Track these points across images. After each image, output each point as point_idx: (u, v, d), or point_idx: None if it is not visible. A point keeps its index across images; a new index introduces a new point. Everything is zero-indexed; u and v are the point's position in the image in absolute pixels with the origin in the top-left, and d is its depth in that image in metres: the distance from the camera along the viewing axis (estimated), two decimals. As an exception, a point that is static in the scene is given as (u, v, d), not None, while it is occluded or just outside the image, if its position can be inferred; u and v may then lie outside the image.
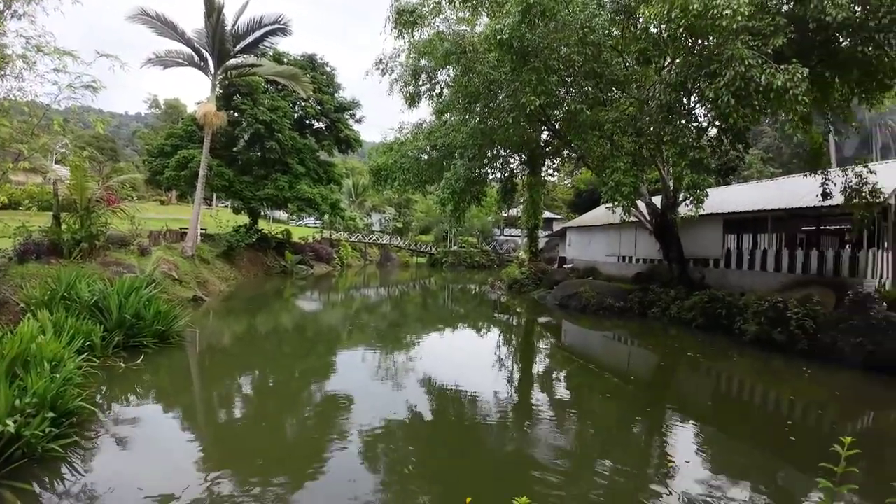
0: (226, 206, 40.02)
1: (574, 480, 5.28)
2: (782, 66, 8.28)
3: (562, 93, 12.87)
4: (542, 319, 18.14)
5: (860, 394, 9.58)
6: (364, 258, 45.24)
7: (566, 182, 53.73)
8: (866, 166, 12.30)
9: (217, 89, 24.00)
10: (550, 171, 31.12)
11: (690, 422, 7.54)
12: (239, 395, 8.37)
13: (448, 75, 17.14)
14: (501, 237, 53.36)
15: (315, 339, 14.08)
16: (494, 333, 16.20)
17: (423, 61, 16.52)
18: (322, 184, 30.52)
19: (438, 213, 34.95)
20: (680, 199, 16.39)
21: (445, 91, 17.65)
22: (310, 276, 30.30)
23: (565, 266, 26.97)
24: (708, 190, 12.63)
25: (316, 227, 47.10)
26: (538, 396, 9.36)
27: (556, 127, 16.68)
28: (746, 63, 8.10)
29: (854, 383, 9.98)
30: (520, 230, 46.76)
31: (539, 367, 12.19)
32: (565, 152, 20.36)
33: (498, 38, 11.26)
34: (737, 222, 17.65)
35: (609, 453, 6.12)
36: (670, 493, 4.81)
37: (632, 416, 7.77)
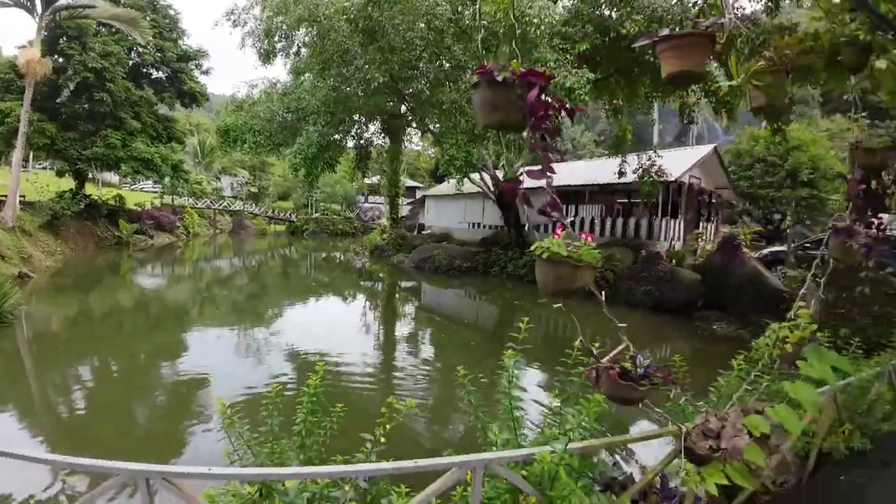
0: (44, 168, 34.40)
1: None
2: (574, 70, 10.13)
3: (409, 72, 13.78)
4: (403, 283, 19.20)
5: (644, 327, 12.04)
6: (213, 226, 41.31)
7: (430, 152, 55.21)
8: (655, 152, 15.32)
9: (42, 32, 20.81)
10: (414, 142, 31.64)
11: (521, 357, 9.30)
12: (80, 380, 7.57)
13: (306, 36, 16.73)
14: (365, 204, 53.27)
15: (163, 318, 12.70)
16: (357, 299, 16.75)
17: (280, 19, 15.74)
18: (161, 142, 27.24)
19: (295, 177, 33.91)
20: (518, 172, 18.64)
21: (304, 51, 17.13)
22: (150, 247, 27.48)
23: (424, 232, 28.68)
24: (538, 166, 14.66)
25: (155, 192, 41.41)
26: (399, 353, 9.96)
27: (407, 101, 17.61)
28: (549, 65, 9.82)
29: (642, 320, 12.50)
30: (384, 198, 47.00)
31: (399, 325, 13.17)
32: (414, 124, 21.37)
33: (345, 15, 11.76)
34: (563, 194, 20.54)
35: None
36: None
37: (479, 357, 9.20)
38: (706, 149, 18.75)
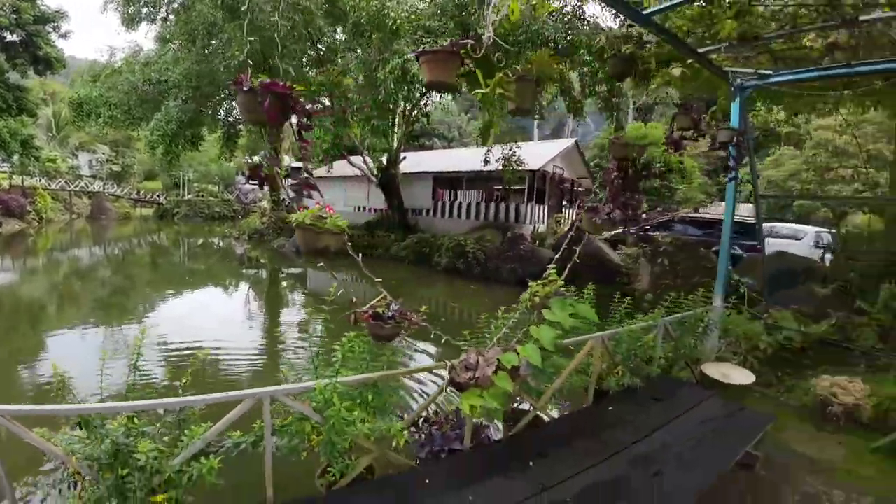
0: None
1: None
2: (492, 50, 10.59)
3: (274, 51, 13.47)
4: (287, 269, 18.76)
5: (509, 299, 13.30)
6: (70, 210, 36.60)
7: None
8: (516, 143, 16.52)
9: None
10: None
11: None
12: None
13: (174, 2, 15.72)
14: (246, 186, 50.32)
15: (13, 318, 11.07)
16: (239, 288, 16.10)
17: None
18: (10, 114, 24.05)
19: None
20: (400, 157, 19.11)
21: (172, 17, 16.01)
22: (-3, 236, 23.67)
23: (307, 215, 28.09)
24: (423, 152, 15.26)
25: (2, 172, 36.00)
26: (279, 338, 9.82)
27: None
28: (405, 57, 10.34)
29: (506, 294, 13.45)
30: (265, 179, 44.47)
31: (283, 311, 13.06)
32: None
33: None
34: (443, 179, 21.41)
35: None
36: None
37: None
38: (568, 142, 20.66)
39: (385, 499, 2.55)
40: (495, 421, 4.04)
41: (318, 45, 13.60)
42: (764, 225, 14.69)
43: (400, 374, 3.55)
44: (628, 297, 5.01)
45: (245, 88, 2.25)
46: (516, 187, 19.13)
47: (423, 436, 3.39)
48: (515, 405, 3.96)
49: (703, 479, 2.86)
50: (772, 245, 16.25)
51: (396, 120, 15.89)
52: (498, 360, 3.04)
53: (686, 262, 11.04)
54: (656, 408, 3.81)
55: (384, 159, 19.89)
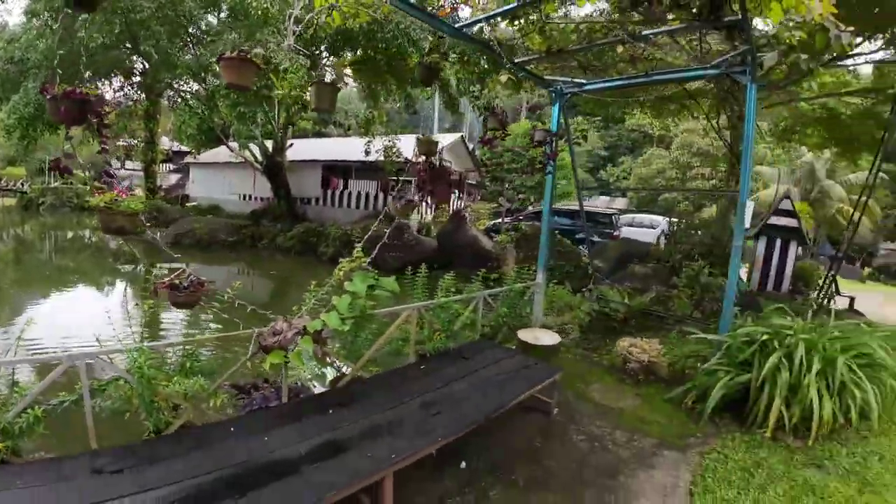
0: None
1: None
2: (293, 56, 10.85)
3: (141, 32, 12.86)
4: (166, 264, 17.67)
5: None
6: None
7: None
8: (395, 135, 17.01)
9: None
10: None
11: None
12: None
13: None
14: (122, 171, 46.22)
15: None
16: (112, 285, 15.01)
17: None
18: None
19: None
20: (287, 144, 18.83)
21: None
22: None
23: (188, 204, 26.65)
24: (313, 140, 15.12)
25: None
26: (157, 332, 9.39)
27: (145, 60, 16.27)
28: (270, 48, 10.39)
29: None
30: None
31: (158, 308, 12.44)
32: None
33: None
34: (334, 168, 21.39)
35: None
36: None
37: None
38: (454, 136, 21.56)
39: (187, 443, 2.91)
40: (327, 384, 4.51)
41: (190, 29, 13.08)
42: (628, 215, 16.19)
43: (206, 340, 3.89)
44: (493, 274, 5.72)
45: (49, 96, 2.55)
46: (408, 178, 19.48)
47: (247, 398, 3.79)
48: (344, 369, 4.46)
49: (475, 417, 3.51)
50: (635, 234, 18.37)
51: (277, 108, 15.67)
52: (304, 326, 3.51)
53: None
54: (461, 365, 4.46)
55: (270, 146, 19.51)
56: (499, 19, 4.78)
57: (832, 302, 9.84)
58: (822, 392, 4.12)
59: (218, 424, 3.22)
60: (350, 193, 20.29)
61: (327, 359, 3.92)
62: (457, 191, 23.35)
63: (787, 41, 4.12)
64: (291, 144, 19.63)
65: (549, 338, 5.54)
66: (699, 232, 11.80)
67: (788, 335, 4.46)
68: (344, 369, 4.36)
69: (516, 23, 5.10)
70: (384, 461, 2.84)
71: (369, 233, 5.31)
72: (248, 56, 2.96)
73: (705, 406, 4.50)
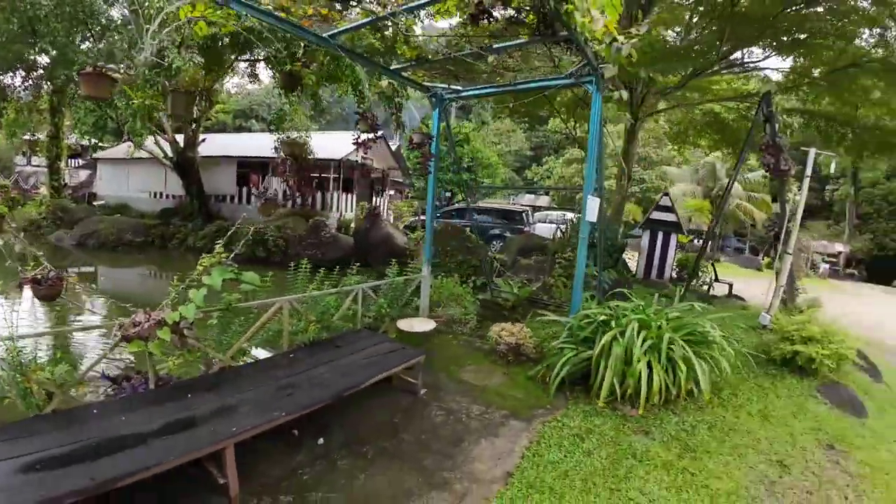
0: None
1: None
2: (183, 54, 10.73)
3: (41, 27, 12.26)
4: (73, 268, 16.78)
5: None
6: None
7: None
8: (306, 132, 16.93)
9: None
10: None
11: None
12: None
13: None
14: (28, 168, 42.59)
15: None
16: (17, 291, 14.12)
17: None
18: None
19: None
20: (199, 140, 18.25)
21: None
22: None
23: (96, 203, 25.12)
24: (230, 135, 14.69)
25: None
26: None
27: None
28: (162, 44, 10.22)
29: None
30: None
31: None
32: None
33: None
34: (252, 164, 20.94)
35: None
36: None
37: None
38: (370, 136, 21.57)
39: (56, 422, 3.16)
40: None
41: (90, 24, 12.48)
42: (543, 212, 16.74)
43: (69, 331, 3.98)
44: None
45: None
46: (332, 175, 19.61)
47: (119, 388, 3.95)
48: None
49: (323, 396, 3.82)
50: (545, 230, 19.28)
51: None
52: (164, 318, 3.67)
53: (453, 243, 12.70)
54: (332, 352, 4.76)
55: (181, 141, 18.82)
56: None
57: (711, 288, 11.01)
58: (653, 366, 4.71)
59: (86, 406, 3.44)
60: (267, 190, 19.95)
61: (190, 348, 4.10)
62: (379, 187, 23.56)
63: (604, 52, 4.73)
64: (204, 140, 19.05)
65: (423, 325, 5.93)
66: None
67: (625, 316, 5.07)
68: (216, 359, 4.53)
69: (378, 34, 5.46)
70: (225, 434, 3.11)
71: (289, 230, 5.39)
72: (104, 71, 3.12)
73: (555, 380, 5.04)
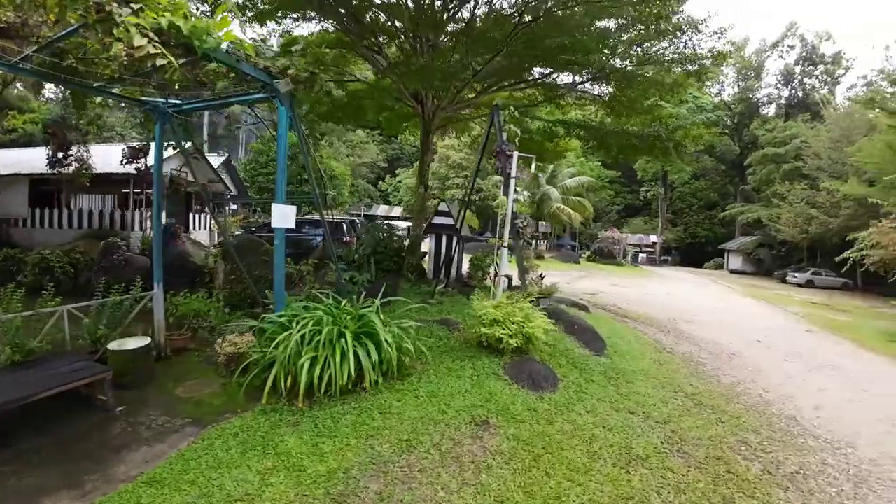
0: None
1: None
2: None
3: None
4: None
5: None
6: None
7: None
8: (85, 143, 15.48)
9: None
10: None
11: None
12: None
13: None
14: None
15: None
16: None
17: None
18: None
19: None
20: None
21: None
22: None
23: None
24: (20, 150, 12.74)
25: None
26: None
27: None
28: None
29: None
30: None
31: None
32: None
33: None
34: (49, 181, 18.72)
35: None
36: None
37: None
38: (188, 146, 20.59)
39: None
40: None
41: None
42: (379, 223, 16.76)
43: None
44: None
45: None
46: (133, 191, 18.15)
47: None
48: None
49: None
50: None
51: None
52: None
53: (252, 257, 12.63)
54: (21, 372, 4.77)
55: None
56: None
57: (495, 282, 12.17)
58: (329, 360, 5.17)
59: None
60: (62, 211, 18.08)
61: None
62: (199, 204, 22.45)
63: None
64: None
65: (135, 343, 5.94)
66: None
67: (305, 317, 5.54)
68: None
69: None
70: None
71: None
72: None
73: (246, 383, 5.36)
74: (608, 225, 46.86)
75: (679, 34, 9.41)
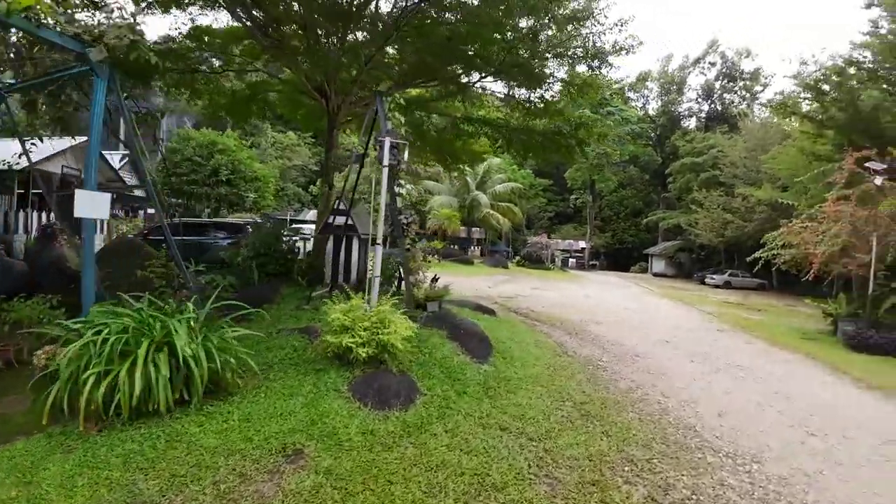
0: None
1: None
2: None
3: None
4: None
5: None
6: None
7: None
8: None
9: None
10: None
11: None
12: None
13: None
14: None
15: None
16: None
17: None
18: None
19: None
20: None
21: None
22: None
23: None
24: None
25: None
26: None
27: None
28: None
29: None
30: None
31: None
32: None
33: None
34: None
35: None
36: None
37: None
38: (81, 140, 18.56)
39: None
40: None
41: None
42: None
43: None
44: None
45: None
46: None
47: None
48: None
49: None
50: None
51: None
52: None
53: (130, 261, 11.25)
54: None
55: None
56: None
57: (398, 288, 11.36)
58: (152, 374, 4.22)
59: None
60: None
61: None
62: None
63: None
64: None
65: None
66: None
67: (106, 323, 4.54)
68: None
69: None
70: None
71: None
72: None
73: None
74: (540, 231, 47.44)
75: (576, 24, 9.03)
